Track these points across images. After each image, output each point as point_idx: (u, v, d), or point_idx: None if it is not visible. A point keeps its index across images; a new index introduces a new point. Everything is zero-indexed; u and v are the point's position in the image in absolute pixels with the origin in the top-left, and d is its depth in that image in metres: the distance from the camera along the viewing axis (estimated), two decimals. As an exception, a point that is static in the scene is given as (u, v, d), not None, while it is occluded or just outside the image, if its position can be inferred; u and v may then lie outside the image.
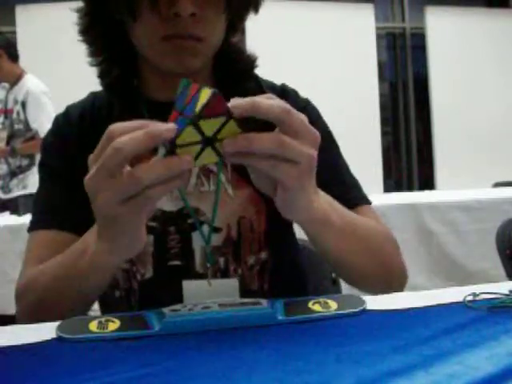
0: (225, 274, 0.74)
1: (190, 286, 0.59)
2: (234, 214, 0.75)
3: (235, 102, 0.46)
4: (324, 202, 0.58)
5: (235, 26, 0.76)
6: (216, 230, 0.74)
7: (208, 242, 0.72)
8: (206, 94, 0.44)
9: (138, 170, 0.45)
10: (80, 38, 0.75)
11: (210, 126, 0.45)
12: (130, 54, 0.75)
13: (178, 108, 0.46)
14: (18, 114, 2.90)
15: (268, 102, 0.47)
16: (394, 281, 0.74)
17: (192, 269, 0.74)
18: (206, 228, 0.73)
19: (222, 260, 0.74)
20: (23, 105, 2.87)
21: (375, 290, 0.68)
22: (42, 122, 2.76)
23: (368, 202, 0.80)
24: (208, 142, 0.46)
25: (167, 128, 0.45)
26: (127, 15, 0.67)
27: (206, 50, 0.71)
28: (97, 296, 0.67)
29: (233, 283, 0.61)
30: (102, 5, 0.69)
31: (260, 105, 0.46)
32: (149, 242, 0.73)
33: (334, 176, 0.79)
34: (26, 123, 2.88)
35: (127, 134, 0.45)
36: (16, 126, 2.91)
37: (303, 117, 0.49)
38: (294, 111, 0.49)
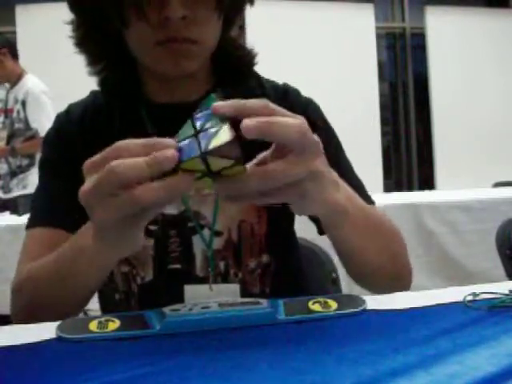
0: (225, 277, 0.74)
1: (191, 291, 0.60)
2: (235, 218, 0.74)
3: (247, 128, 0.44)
4: (342, 193, 0.56)
5: (232, 20, 0.74)
6: (217, 233, 0.74)
7: (210, 246, 0.72)
8: (225, 134, 0.43)
9: (137, 191, 0.44)
10: (76, 50, 0.75)
11: (217, 163, 0.44)
12: (127, 58, 0.74)
13: (195, 122, 0.45)
14: (18, 113, 2.89)
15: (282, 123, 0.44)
16: (402, 279, 0.74)
17: (192, 272, 0.74)
18: (206, 232, 0.73)
19: (222, 264, 0.74)
20: (23, 104, 2.87)
21: (382, 288, 0.67)
22: (42, 122, 2.76)
23: (372, 202, 0.79)
24: (211, 175, 0.45)
25: (168, 157, 0.43)
26: (119, 23, 0.67)
27: (202, 52, 0.70)
28: (91, 294, 0.66)
29: (234, 288, 0.61)
30: (93, 15, 0.69)
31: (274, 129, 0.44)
32: (149, 245, 0.73)
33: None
34: (26, 123, 2.88)
35: (129, 157, 0.44)
36: (16, 126, 2.91)
37: (301, 128, 0.46)
38: (303, 132, 0.45)
